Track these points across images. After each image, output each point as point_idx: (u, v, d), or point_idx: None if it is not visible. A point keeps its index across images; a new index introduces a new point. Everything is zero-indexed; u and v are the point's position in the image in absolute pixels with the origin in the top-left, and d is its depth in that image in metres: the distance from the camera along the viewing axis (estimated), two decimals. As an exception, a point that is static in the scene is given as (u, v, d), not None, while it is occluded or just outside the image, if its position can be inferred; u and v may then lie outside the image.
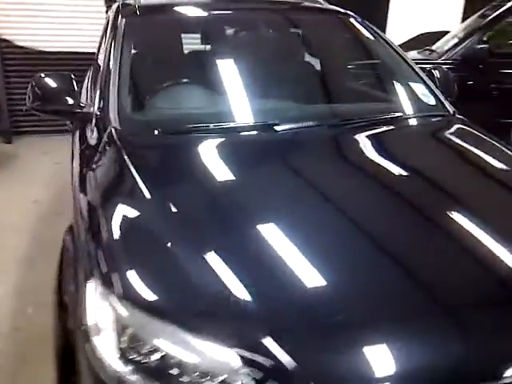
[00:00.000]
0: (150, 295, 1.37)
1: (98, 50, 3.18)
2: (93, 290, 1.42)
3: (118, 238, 1.55)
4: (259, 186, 1.83)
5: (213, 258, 1.43)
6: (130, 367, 1.29)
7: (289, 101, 2.48)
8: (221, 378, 1.22)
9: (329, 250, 1.46)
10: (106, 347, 1.32)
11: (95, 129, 2.19)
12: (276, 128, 2.11)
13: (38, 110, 2.30)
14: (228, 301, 1.32)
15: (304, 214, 1.63)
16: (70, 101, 2.28)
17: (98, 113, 2.20)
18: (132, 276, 1.41)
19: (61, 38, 5.74)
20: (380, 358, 1.18)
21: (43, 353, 2.50)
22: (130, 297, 1.35)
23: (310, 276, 1.38)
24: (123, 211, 1.68)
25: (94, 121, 2.22)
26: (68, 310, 1.53)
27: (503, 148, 2.21)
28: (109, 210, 1.66)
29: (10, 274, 3.20)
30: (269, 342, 1.22)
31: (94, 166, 1.94)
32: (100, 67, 3.32)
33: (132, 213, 1.68)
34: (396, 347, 1.19)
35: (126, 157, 1.87)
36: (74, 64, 5.41)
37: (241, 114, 2.22)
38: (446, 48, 5.09)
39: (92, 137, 2.18)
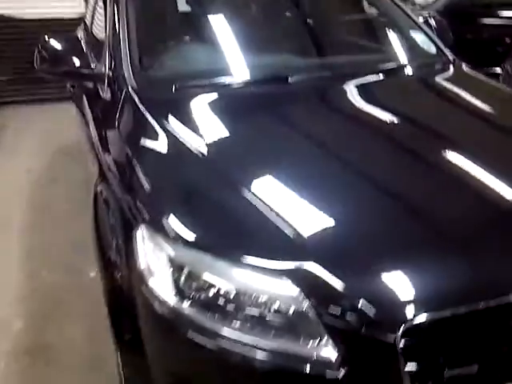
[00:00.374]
0: (199, 233, 1.41)
1: (93, 17, 3.16)
2: (142, 236, 1.46)
3: (158, 184, 1.60)
4: (284, 130, 1.91)
5: (255, 194, 1.48)
6: (186, 303, 1.34)
7: (299, 54, 2.53)
8: (275, 307, 1.27)
9: (360, 184, 1.57)
10: (162, 287, 1.37)
11: (108, 89, 2.20)
12: (289, 80, 2.18)
13: (47, 73, 2.29)
14: (277, 232, 1.37)
15: (332, 155, 1.73)
16: (78, 62, 2.28)
17: (111, 73, 2.21)
18: (179, 217, 1.45)
19: (38, 4, 5.62)
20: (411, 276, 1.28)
21: (64, 310, 2.58)
22: (180, 236, 1.39)
23: (349, 204, 1.47)
24: (158, 160, 1.74)
25: (106, 81, 2.22)
26: (113, 261, 1.57)
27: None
28: (144, 161, 1.71)
29: (19, 240, 3.22)
30: (318, 268, 1.28)
31: (115, 125, 1.97)
32: (90, 29, 3.28)
33: (167, 160, 1.73)
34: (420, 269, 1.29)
35: (147, 112, 1.91)
36: (54, 30, 5.31)
37: (255, 68, 2.26)
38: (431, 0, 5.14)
39: (107, 97, 2.19)
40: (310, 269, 1.28)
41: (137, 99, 2.01)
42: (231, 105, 2.07)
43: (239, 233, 1.41)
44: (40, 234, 3.32)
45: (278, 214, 1.41)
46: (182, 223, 1.43)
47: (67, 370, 2.28)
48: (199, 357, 1.33)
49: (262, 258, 1.32)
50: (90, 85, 2.40)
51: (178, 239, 1.39)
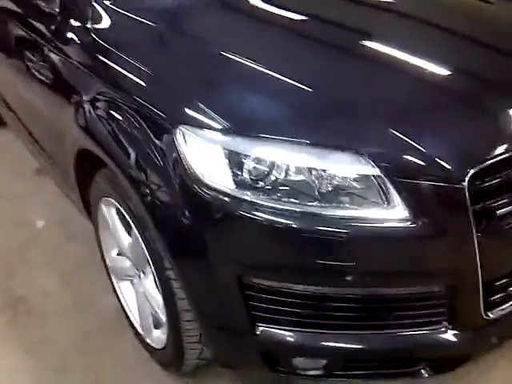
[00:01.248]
0: (250, 118, 1.40)
1: None
2: (183, 139, 1.41)
3: (175, 79, 1.56)
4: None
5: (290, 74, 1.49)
6: (252, 192, 1.33)
7: None
8: (346, 177, 1.30)
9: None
10: (222, 182, 1.35)
11: None
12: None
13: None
14: (333, 103, 1.40)
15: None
16: None
17: None
18: (221, 106, 1.43)
19: None
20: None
21: (26, 264, 2.44)
22: (231, 126, 1.37)
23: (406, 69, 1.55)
24: (158, 55, 1.71)
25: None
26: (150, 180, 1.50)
27: None
28: (144, 61, 1.64)
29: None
30: (386, 130, 1.34)
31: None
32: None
33: (167, 54, 1.72)
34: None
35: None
36: None
37: None
38: None
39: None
40: (377, 133, 1.34)
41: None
42: None
43: (291, 113, 1.42)
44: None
45: (341, 84, 1.44)
46: (228, 112, 1.41)
47: (52, 316, 2.18)
48: (272, 242, 1.35)
49: (323, 133, 1.35)
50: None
51: (229, 129, 1.37)
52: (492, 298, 1.43)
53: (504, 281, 1.44)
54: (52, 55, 2.02)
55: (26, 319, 2.19)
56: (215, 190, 1.37)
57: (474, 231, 1.30)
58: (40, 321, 2.17)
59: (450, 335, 1.43)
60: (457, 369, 1.54)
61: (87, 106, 1.79)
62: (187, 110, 1.45)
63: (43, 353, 2.04)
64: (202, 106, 1.43)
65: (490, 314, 1.43)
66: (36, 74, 2.16)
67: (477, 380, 1.82)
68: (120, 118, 1.62)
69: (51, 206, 2.82)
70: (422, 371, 1.51)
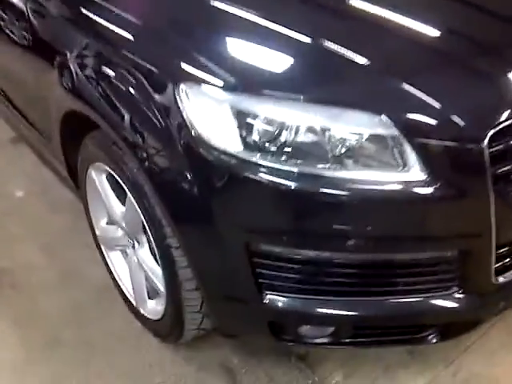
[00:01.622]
0: (259, 75, 1.32)
1: None
2: (186, 97, 1.31)
3: (172, 34, 1.47)
4: None
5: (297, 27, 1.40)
6: (261, 153, 1.26)
7: None
8: (362, 136, 1.23)
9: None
10: (229, 143, 1.27)
11: None
12: None
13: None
14: (347, 60, 1.32)
15: None
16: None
17: None
18: (226, 62, 1.35)
19: None
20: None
21: (6, 235, 2.34)
22: (239, 83, 1.29)
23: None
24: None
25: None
26: (148, 145, 1.41)
27: None
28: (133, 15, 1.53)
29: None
30: (400, 92, 1.27)
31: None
32: None
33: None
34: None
35: None
36: None
37: None
38: None
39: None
40: (394, 91, 1.28)
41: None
42: None
43: (302, 70, 1.35)
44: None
45: (354, 43, 1.35)
46: (235, 68, 1.32)
47: (38, 289, 2.09)
48: (281, 206, 1.30)
49: (336, 91, 1.28)
50: None
51: (237, 86, 1.28)
52: (502, 263, 1.41)
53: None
54: (30, 14, 1.87)
55: (12, 292, 2.09)
56: (221, 151, 1.29)
57: (491, 194, 1.26)
58: (26, 294, 2.09)
59: (459, 300, 1.40)
60: (464, 335, 1.54)
61: (74, 66, 1.67)
62: (189, 66, 1.35)
63: (32, 327, 1.96)
64: (205, 60, 1.34)
65: (500, 279, 1.41)
66: (11, 35, 2.02)
67: (476, 341, 1.82)
68: (113, 75, 1.51)
69: (30, 175, 2.70)
70: (430, 337, 1.49)
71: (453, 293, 1.40)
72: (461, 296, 1.40)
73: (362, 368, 1.79)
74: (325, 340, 1.49)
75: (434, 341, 1.50)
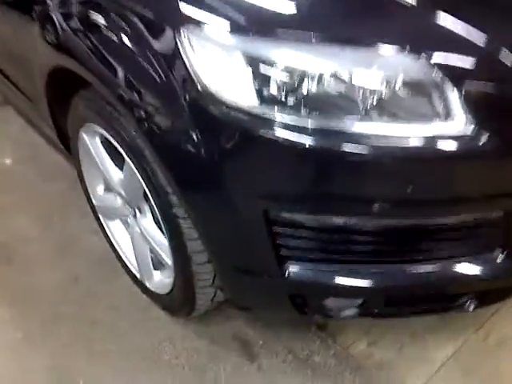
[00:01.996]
0: (274, 17, 1.12)
1: None
2: (190, 45, 1.12)
3: None
4: None
5: None
6: (275, 107, 1.09)
7: None
8: (401, 85, 1.05)
9: None
10: (242, 97, 1.10)
11: None
12: None
13: None
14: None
15: None
16: None
17: None
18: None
19: None
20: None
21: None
22: (252, 26, 1.11)
23: None
24: None
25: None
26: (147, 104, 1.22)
27: None
28: None
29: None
30: (442, 30, 1.09)
31: None
32: None
33: None
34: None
35: None
36: None
37: None
38: None
39: None
40: (434, 29, 1.10)
41: None
42: None
43: (325, 4, 1.16)
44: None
45: None
46: (244, 6, 1.13)
47: (35, 262, 1.95)
48: (305, 168, 1.14)
49: (370, 29, 1.09)
50: None
51: (249, 30, 1.10)
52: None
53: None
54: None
55: (7, 268, 1.95)
56: (232, 107, 1.11)
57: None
58: (23, 268, 1.95)
59: (501, 265, 1.27)
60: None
61: (56, 16, 1.47)
62: (189, 5, 1.16)
63: (29, 304, 1.82)
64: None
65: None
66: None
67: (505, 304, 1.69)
68: (103, 23, 1.32)
69: (17, 141, 2.53)
70: (467, 304, 1.37)
71: (495, 258, 1.27)
72: (504, 260, 1.26)
73: (387, 335, 1.69)
74: (353, 312, 1.36)
75: (472, 308, 1.37)
